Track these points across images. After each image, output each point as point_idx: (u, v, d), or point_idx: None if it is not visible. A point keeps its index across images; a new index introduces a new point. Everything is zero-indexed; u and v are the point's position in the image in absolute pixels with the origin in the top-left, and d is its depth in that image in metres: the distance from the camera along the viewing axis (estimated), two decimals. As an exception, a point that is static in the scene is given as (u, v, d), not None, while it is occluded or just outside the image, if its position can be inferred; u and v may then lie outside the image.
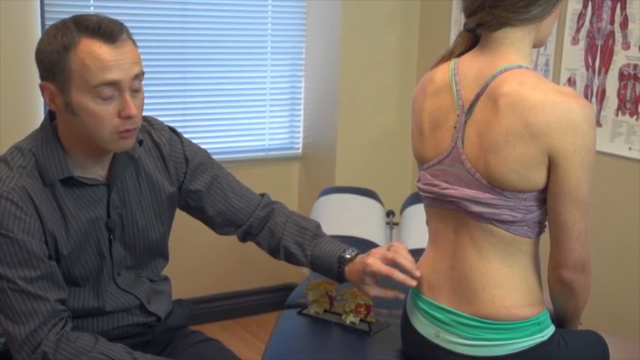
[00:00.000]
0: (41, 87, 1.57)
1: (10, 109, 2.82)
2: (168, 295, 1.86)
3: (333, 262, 1.77)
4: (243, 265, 3.54)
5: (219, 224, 1.87)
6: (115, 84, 1.53)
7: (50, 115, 1.64)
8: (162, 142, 1.78)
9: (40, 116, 2.85)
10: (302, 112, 3.62)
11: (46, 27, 2.80)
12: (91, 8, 2.94)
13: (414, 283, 1.64)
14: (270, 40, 3.47)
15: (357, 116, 3.44)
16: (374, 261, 1.67)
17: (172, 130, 1.84)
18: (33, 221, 1.55)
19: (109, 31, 1.53)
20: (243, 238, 1.90)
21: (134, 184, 1.72)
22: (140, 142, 1.71)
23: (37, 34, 2.79)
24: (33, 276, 1.54)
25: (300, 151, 3.65)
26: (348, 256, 1.76)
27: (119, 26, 1.56)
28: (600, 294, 2.06)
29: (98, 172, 1.66)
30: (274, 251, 1.88)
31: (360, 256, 1.74)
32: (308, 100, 3.58)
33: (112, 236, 1.69)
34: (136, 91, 1.57)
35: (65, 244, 1.61)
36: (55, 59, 1.52)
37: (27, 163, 1.59)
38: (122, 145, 1.60)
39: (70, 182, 1.61)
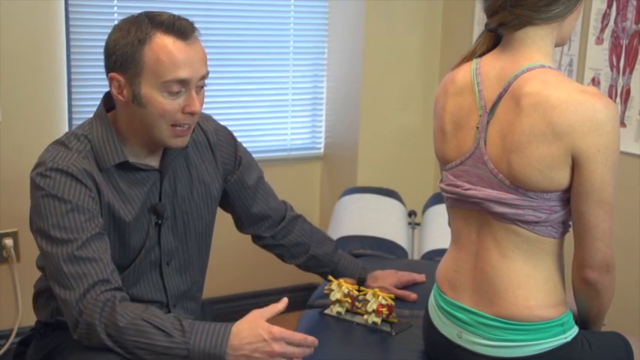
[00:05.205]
0: (110, 78, 1.61)
1: (35, 107, 2.84)
2: (198, 305, 1.89)
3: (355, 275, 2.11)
4: (264, 265, 3.53)
5: (251, 222, 1.98)
6: (184, 81, 1.57)
7: (105, 106, 1.68)
8: (208, 130, 1.84)
9: (63, 112, 2.88)
10: (324, 112, 3.61)
11: (70, 27, 2.83)
12: (115, 8, 2.95)
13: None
14: (292, 40, 3.47)
15: (379, 116, 3.43)
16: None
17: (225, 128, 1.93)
18: (91, 192, 1.59)
19: (182, 28, 1.57)
20: (262, 239, 2.04)
21: (185, 174, 1.77)
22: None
23: (62, 32, 2.81)
24: (85, 239, 1.55)
25: (322, 151, 3.65)
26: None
27: (191, 25, 1.61)
28: (624, 295, 2.04)
29: (151, 162, 1.71)
30: (296, 255, 2.07)
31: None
32: (330, 100, 3.58)
33: (159, 221, 1.72)
34: (200, 89, 1.63)
35: (125, 214, 1.65)
36: (129, 51, 1.56)
37: (83, 147, 1.64)
38: (177, 143, 1.65)
39: (124, 167, 1.65)
